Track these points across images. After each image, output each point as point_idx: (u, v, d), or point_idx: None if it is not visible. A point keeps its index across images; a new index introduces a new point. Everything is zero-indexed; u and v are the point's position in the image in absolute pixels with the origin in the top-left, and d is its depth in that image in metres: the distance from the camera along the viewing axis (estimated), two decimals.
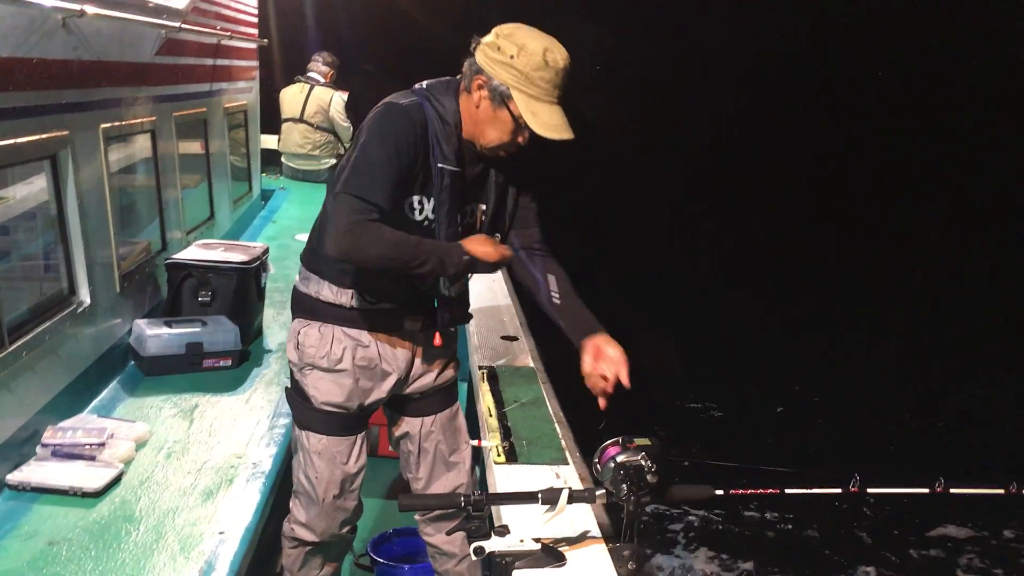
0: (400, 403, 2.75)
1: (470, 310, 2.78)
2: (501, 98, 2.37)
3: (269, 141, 8.65)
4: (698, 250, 13.99)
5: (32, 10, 3.02)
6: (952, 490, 2.06)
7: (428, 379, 2.75)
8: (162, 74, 4.62)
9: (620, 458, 2.01)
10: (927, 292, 12.07)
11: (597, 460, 2.07)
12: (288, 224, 7.07)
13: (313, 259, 2.65)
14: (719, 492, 2.07)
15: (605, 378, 2.40)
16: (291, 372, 2.71)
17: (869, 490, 2.04)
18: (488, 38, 2.41)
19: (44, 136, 3.14)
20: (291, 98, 8.63)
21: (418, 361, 2.71)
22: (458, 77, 2.51)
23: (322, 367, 2.60)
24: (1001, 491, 2.09)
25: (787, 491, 2.06)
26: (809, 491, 2.07)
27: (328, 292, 2.59)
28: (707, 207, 16.45)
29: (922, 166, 20.15)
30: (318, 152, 8.69)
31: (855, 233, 15.47)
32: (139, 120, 4.22)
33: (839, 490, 2.05)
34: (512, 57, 2.33)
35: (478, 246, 2.43)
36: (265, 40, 7.41)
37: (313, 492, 2.68)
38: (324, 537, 2.75)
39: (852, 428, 8.07)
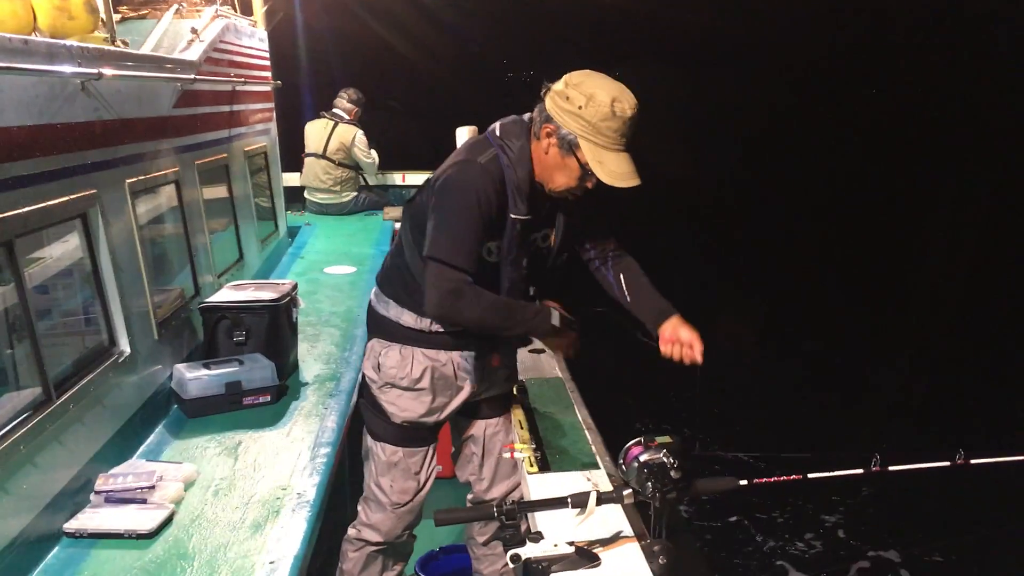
0: (467, 407, 2.87)
1: None
2: (569, 147, 2.45)
3: (291, 178, 8.80)
4: (715, 249, 14.03)
5: (52, 78, 3.14)
6: (973, 461, 2.09)
7: (495, 385, 2.92)
8: (181, 125, 4.75)
9: (643, 457, 2.07)
10: (946, 281, 11.99)
11: (622, 461, 2.13)
12: (316, 259, 7.19)
13: (392, 287, 2.80)
14: (743, 483, 2.12)
15: (681, 344, 2.64)
16: (366, 387, 2.86)
17: (890, 468, 2.08)
18: (558, 86, 2.49)
19: (73, 196, 3.25)
20: (315, 133, 8.81)
21: (488, 369, 2.88)
22: (527, 117, 2.60)
23: (402, 386, 2.76)
24: (1022, 458, 2.11)
25: (810, 476, 2.11)
26: (831, 474, 2.11)
27: (409, 318, 2.73)
28: (730, 211, 16.47)
29: (934, 166, 20.01)
30: (339, 188, 8.85)
31: (871, 224, 15.42)
32: (163, 172, 4.34)
33: (861, 471, 2.09)
34: (580, 108, 2.40)
35: (559, 339, 2.64)
36: (279, 82, 7.55)
37: (385, 498, 2.85)
38: (389, 538, 2.89)
39: (871, 412, 8.02)
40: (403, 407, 2.77)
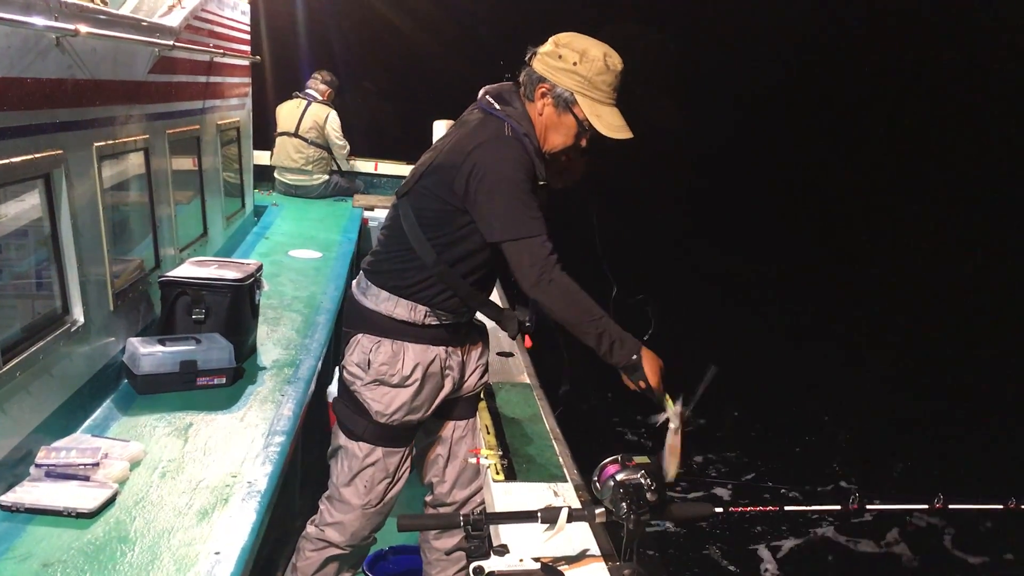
0: (439, 407, 2.82)
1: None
2: (566, 104, 2.50)
3: (261, 157, 8.66)
4: (695, 267, 14.01)
5: (27, 30, 3.01)
6: (951, 506, 2.06)
7: (471, 383, 2.88)
8: (155, 92, 4.62)
9: (620, 476, 2.01)
10: (926, 303, 12.10)
11: (596, 478, 2.07)
12: (281, 240, 7.05)
13: (387, 277, 2.70)
14: (719, 510, 2.07)
15: None
16: (346, 383, 2.76)
17: (868, 507, 2.05)
18: (546, 47, 2.54)
19: (38, 155, 3.12)
20: (287, 113, 8.73)
21: (468, 366, 2.85)
22: (509, 84, 2.60)
23: (392, 383, 2.69)
24: (1000, 507, 2.09)
25: (787, 508, 2.07)
26: (809, 508, 2.08)
27: (403, 310, 2.65)
28: (703, 227, 16.50)
29: (919, 172, 20.10)
30: (311, 167, 8.74)
31: (852, 245, 15.54)
32: (132, 138, 4.21)
33: (838, 507, 2.06)
34: (575, 64, 2.46)
35: (652, 367, 2.46)
36: (258, 57, 7.41)
37: (356, 499, 2.78)
38: (354, 540, 2.84)
39: (852, 444, 8.03)
40: (389, 404, 2.70)
